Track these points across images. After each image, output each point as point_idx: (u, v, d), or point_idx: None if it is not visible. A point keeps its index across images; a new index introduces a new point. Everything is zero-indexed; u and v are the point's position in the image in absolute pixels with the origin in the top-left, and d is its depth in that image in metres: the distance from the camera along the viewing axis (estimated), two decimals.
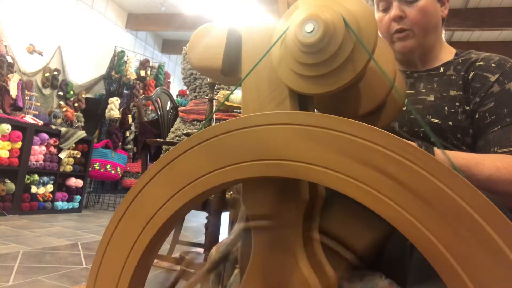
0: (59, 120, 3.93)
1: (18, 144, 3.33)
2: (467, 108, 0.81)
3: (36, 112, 4.02)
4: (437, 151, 0.69)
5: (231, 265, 0.59)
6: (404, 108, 0.82)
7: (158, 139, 2.03)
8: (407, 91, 0.89)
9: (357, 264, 0.50)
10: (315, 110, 0.59)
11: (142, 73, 5.11)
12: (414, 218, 0.33)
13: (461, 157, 0.70)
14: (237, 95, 2.01)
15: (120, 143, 4.61)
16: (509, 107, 0.77)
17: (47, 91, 4.50)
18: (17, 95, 3.65)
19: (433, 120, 0.82)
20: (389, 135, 0.35)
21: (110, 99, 4.74)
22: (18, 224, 2.92)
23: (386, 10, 0.89)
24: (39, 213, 3.53)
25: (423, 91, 0.87)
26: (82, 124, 4.15)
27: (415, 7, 0.85)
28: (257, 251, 0.46)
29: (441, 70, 0.89)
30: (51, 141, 3.69)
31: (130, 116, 4.78)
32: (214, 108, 1.87)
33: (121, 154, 4.48)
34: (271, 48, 0.48)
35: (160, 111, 2.29)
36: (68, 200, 3.94)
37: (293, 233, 0.44)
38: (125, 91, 5.02)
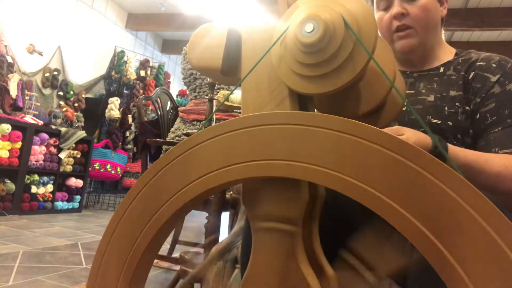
0: (59, 120, 3.93)
1: (18, 144, 3.33)
2: (467, 108, 0.81)
3: (36, 112, 4.02)
4: (451, 146, 0.69)
5: (231, 265, 0.59)
6: (404, 108, 0.82)
7: (158, 139, 2.03)
8: (407, 91, 0.89)
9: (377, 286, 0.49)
10: (315, 110, 0.59)
11: (142, 73, 5.11)
12: (415, 219, 0.33)
13: (472, 153, 0.71)
14: (237, 95, 2.01)
15: (120, 143, 4.60)
16: (510, 108, 0.77)
17: (47, 91, 4.50)
18: (17, 95, 3.65)
19: (433, 121, 0.82)
20: (390, 135, 0.35)
21: (110, 99, 4.73)
22: (18, 224, 2.92)
23: (386, 9, 0.89)
24: (39, 213, 3.53)
25: (423, 91, 0.87)
26: (82, 124, 4.15)
27: (416, 5, 0.85)
28: (257, 251, 0.46)
29: (441, 70, 0.88)
30: (51, 141, 3.69)
31: (130, 116, 4.77)
32: (214, 108, 1.87)
33: (121, 154, 4.47)
34: (271, 48, 0.48)
35: (160, 111, 2.29)
36: (68, 200, 3.94)
37: (293, 233, 0.44)
38: (125, 91, 5.02)
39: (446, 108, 0.82)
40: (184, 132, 2.12)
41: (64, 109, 4.10)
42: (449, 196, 0.32)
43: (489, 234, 0.31)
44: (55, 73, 4.55)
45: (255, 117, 0.41)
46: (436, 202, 0.33)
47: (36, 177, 3.54)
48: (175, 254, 1.99)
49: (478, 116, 0.80)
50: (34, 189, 3.53)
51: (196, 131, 1.91)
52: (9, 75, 3.64)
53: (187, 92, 3.10)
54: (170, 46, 7.03)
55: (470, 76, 0.83)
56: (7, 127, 3.19)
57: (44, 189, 3.64)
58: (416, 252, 0.34)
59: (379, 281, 0.49)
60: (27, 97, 3.92)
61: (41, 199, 3.60)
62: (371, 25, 0.45)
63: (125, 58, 5.09)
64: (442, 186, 0.32)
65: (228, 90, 2.40)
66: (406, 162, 0.34)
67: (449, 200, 0.32)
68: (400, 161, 0.34)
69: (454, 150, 0.68)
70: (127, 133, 4.74)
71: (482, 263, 0.31)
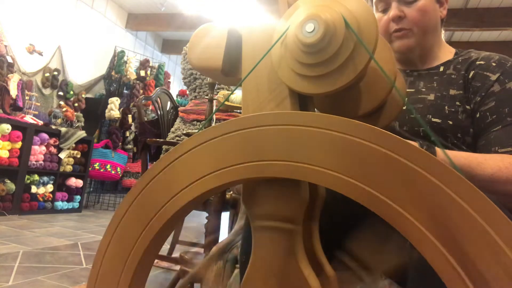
0: (59, 120, 3.92)
1: (18, 144, 3.33)
2: (468, 107, 0.81)
3: (36, 112, 4.02)
4: (439, 150, 0.69)
5: (231, 265, 0.59)
6: (404, 107, 0.82)
7: (158, 139, 2.03)
8: (407, 90, 0.89)
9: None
10: (315, 110, 0.59)
11: (142, 73, 5.11)
12: (413, 218, 0.33)
13: (463, 157, 0.70)
14: (237, 95, 2.01)
15: (120, 143, 4.60)
16: (510, 106, 0.77)
17: (47, 91, 4.50)
18: (17, 95, 3.65)
19: (434, 120, 0.82)
20: (390, 134, 0.35)
21: (110, 99, 4.74)
22: (18, 224, 2.92)
23: (385, 11, 0.89)
24: (39, 213, 3.53)
25: (423, 90, 0.87)
26: (82, 124, 4.15)
27: (414, 7, 0.85)
28: (257, 251, 0.46)
29: (441, 69, 0.88)
30: (51, 141, 3.69)
31: (130, 116, 4.77)
32: (214, 108, 1.87)
33: (121, 154, 4.47)
34: (271, 48, 0.48)
35: (160, 111, 2.29)
36: (68, 200, 3.94)
37: (293, 232, 0.44)
38: (125, 91, 5.02)
39: (446, 107, 0.82)
40: (184, 132, 2.12)
41: (64, 109, 4.10)
42: (450, 196, 0.32)
43: (489, 234, 0.31)
44: (55, 73, 4.55)
45: (254, 118, 0.41)
46: (438, 204, 0.33)
47: (36, 177, 3.54)
48: (175, 254, 1.99)
49: (478, 115, 0.80)
50: (34, 189, 3.53)
51: (196, 131, 1.91)
52: (9, 75, 3.64)
53: (187, 92, 3.10)
54: (170, 46, 7.04)
55: (470, 75, 0.83)
56: (7, 127, 3.19)
57: (44, 189, 3.64)
58: (415, 252, 0.34)
59: (376, 281, 0.49)
60: (27, 97, 3.92)
61: (41, 199, 3.60)
62: (372, 25, 0.45)
63: (125, 58, 5.09)
64: (445, 188, 0.32)
65: (228, 90, 2.40)
66: (407, 163, 0.34)
67: (451, 201, 0.32)
68: (401, 162, 0.34)
69: (442, 156, 0.68)
70: (127, 133, 4.74)
71: (482, 263, 0.31)
